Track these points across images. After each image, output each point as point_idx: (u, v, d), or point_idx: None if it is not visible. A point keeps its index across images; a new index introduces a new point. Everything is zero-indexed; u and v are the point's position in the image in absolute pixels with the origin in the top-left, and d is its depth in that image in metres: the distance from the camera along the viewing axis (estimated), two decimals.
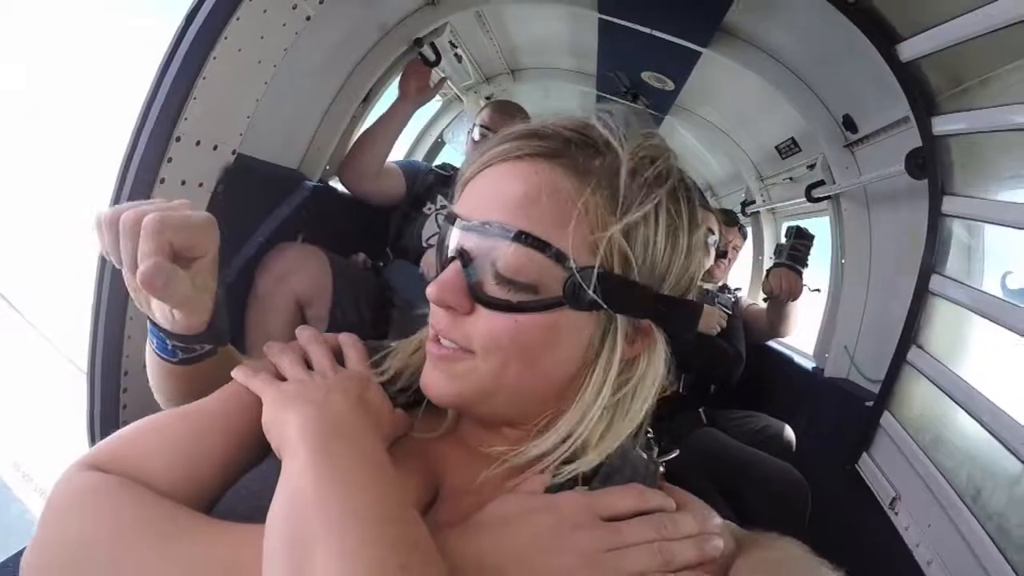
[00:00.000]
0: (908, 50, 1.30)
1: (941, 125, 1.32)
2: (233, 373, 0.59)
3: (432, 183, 2.05)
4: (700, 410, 2.15)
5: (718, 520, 0.51)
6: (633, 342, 0.54)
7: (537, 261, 0.49)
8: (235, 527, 0.47)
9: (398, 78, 1.95)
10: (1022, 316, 1.09)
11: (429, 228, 2.00)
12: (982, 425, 1.11)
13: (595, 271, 0.48)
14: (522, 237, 0.48)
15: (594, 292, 0.48)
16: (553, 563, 0.45)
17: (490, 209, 0.51)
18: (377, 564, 0.37)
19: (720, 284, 2.57)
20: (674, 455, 0.67)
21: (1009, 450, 1.02)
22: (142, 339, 1.15)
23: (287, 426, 0.48)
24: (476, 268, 0.51)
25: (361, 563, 0.37)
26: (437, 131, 2.98)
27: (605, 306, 0.50)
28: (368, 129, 1.96)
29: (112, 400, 1.19)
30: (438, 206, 2.02)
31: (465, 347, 0.52)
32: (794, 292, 2.02)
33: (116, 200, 1.13)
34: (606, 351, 0.53)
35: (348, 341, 0.63)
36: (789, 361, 2.33)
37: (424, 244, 1.98)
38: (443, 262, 0.54)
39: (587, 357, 0.53)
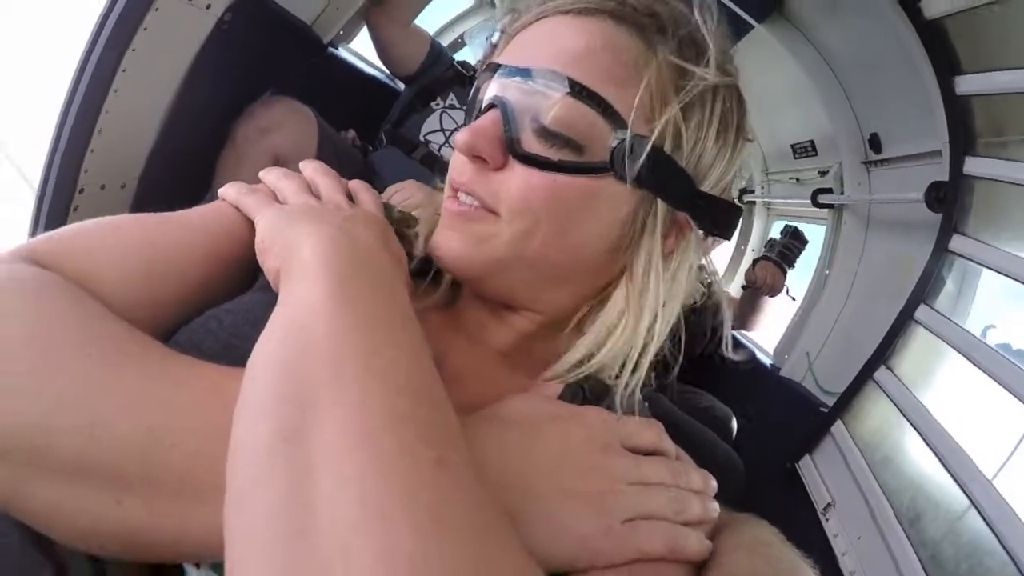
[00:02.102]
0: (965, 84, 1.29)
1: (973, 166, 1.33)
2: (221, 191, 0.49)
3: (450, 78, 1.92)
4: (652, 374, 2.21)
5: (715, 483, 0.48)
6: (668, 236, 0.49)
7: (588, 118, 0.44)
8: (198, 364, 0.36)
9: None
10: (998, 361, 1.14)
11: (431, 124, 1.88)
12: (936, 455, 1.18)
13: (650, 141, 0.44)
14: (576, 88, 0.43)
15: (643, 164, 0.44)
16: (581, 482, 0.40)
17: (542, 59, 0.45)
18: (409, 453, 0.28)
19: (698, 263, 2.60)
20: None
21: (958, 484, 1.08)
22: (107, 152, 1.10)
23: (299, 245, 0.38)
24: (516, 119, 0.45)
25: (387, 447, 0.28)
26: (460, 29, 2.81)
27: (651, 184, 0.46)
28: None
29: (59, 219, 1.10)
30: (447, 104, 1.90)
31: (490, 206, 0.46)
32: (775, 288, 2.06)
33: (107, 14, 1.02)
34: (646, 236, 0.48)
35: (360, 186, 0.53)
36: (747, 351, 2.40)
37: (421, 139, 1.87)
38: (477, 112, 0.48)
39: (620, 241, 0.48)
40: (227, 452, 0.30)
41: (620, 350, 0.49)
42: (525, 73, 0.45)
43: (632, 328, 0.49)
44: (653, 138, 0.45)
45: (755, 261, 2.13)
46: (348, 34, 2.01)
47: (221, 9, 1.21)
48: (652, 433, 0.47)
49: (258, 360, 0.32)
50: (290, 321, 0.33)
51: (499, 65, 0.47)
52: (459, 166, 0.48)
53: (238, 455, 0.29)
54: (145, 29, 1.04)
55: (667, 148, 0.46)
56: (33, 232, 1.11)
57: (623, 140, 0.44)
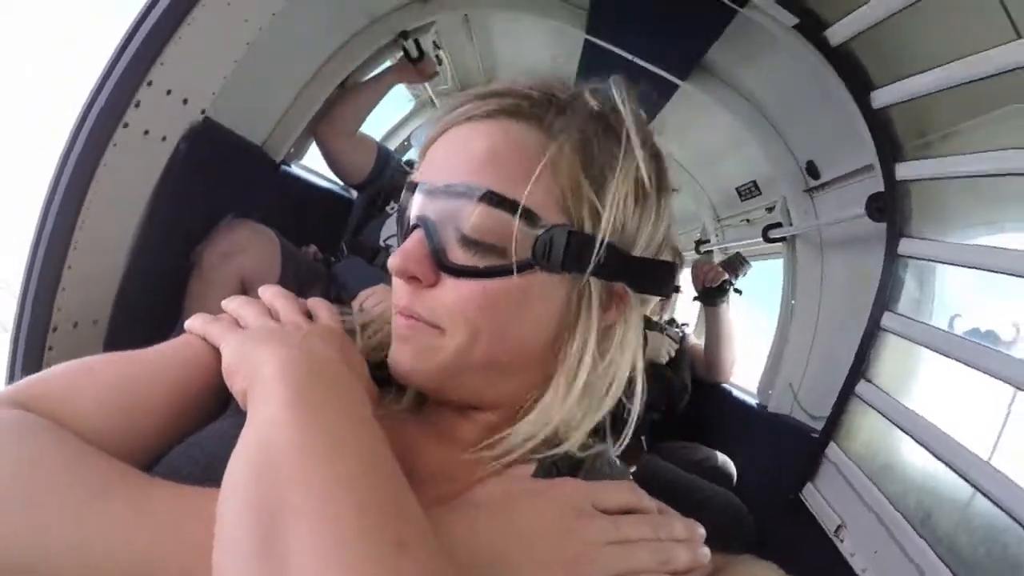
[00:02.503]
0: (880, 98, 1.38)
1: (904, 171, 1.40)
2: (187, 324, 0.52)
3: (401, 181, 1.99)
4: (641, 438, 2.17)
5: (702, 531, 0.49)
6: (608, 309, 0.51)
7: (504, 221, 0.45)
8: (179, 488, 0.39)
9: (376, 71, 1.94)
10: (969, 347, 1.15)
11: (389, 228, 1.93)
12: (930, 451, 1.15)
13: (567, 229, 0.46)
14: (488, 195, 0.45)
15: (566, 251, 0.46)
16: (558, 549, 0.41)
17: (453, 171, 0.47)
18: (370, 538, 0.30)
19: (668, 317, 2.62)
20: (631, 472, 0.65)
21: (958, 473, 1.06)
22: (78, 289, 1.10)
23: (261, 365, 0.41)
24: (440, 234, 0.47)
25: (351, 536, 0.30)
26: (405, 133, 2.95)
27: (578, 267, 0.47)
28: (355, 84, 1.92)
29: (35, 360, 1.09)
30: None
31: (431, 322, 0.48)
32: (714, 276, 2.25)
33: (73, 140, 1.05)
34: (583, 317, 0.50)
35: (318, 303, 0.56)
36: (730, 396, 2.38)
37: (382, 244, 1.91)
38: (405, 232, 0.50)
39: (561, 326, 0.50)
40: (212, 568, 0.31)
41: (579, 405, 0.50)
42: (439, 188, 0.48)
43: (566, 405, 0.50)
44: (572, 225, 0.47)
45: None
46: (299, 151, 2.07)
47: (176, 139, 1.25)
48: (625, 492, 0.47)
49: (231, 476, 0.34)
50: (256, 437, 0.36)
51: (416, 184, 0.50)
52: (398, 289, 0.50)
53: (221, 563, 0.31)
54: (105, 165, 1.07)
55: (587, 228, 0.48)
56: (10, 373, 1.10)
57: (542, 234, 0.46)
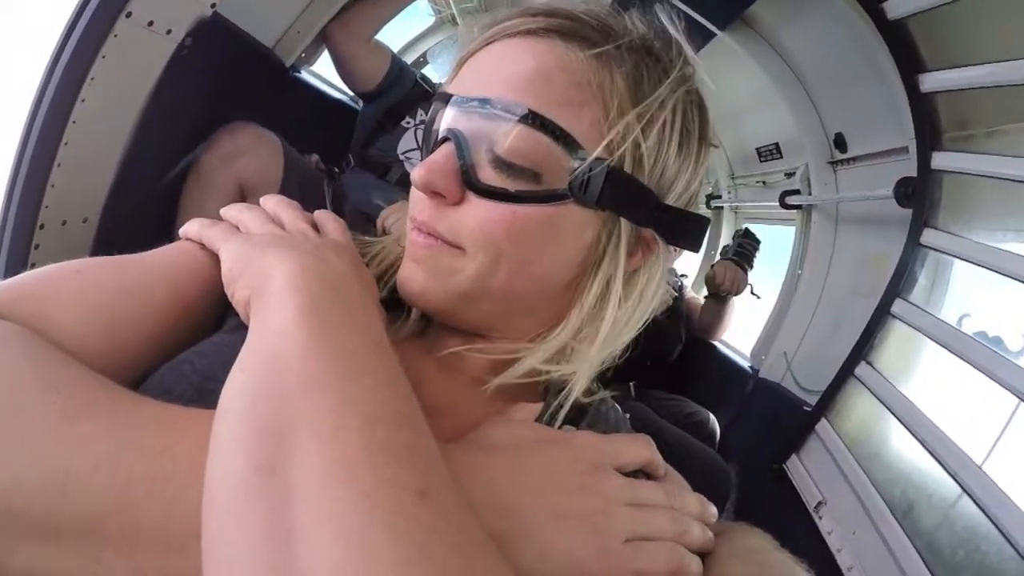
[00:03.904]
0: (928, 82, 1.32)
1: (941, 160, 1.36)
2: (182, 229, 0.48)
3: (417, 95, 1.91)
4: (630, 384, 2.20)
5: (714, 510, 0.47)
6: (633, 254, 0.49)
7: (544, 145, 0.43)
8: (169, 408, 0.35)
9: None
10: (978, 349, 1.16)
11: (407, 142, 1.86)
12: (923, 445, 1.19)
13: (607, 164, 0.43)
14: (530, 117, 0.42)
15: (604, 187, 0.44)
16: (573, 503, 0.39)
17: (493, 86, 0.44)
18: (390, 486, 0.27)
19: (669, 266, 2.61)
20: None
21: (948, 472, 1.09)
22: (68, 187, 1.06)
23: (268, 270, 0.37)
24: (471, 151, 0.44)
25: (367, 482, 0.26)
26: (423, 48, 2.81)
27: (613, 206, 0.45)
28: None
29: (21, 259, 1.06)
30: (417, 121, 1.89)
31: (453, 242, 0.45)
32: (737, 286, 2.06)
33: (71, 27, 0.98)
34: (607, 259, 0.48)
35: (325, 215, 0.52)
36: (723, 355, 2.41)
37: (401, 157, 1.85)
38: (432, 145, 0.47)
39: (586, 263, 0.48)
40: (204, 498, 0.28)
41: (578, 368, 0.48)
42: (476, 102, 0.44)
43: (578, 346, 0.48)
44: (613, 161, 0.44)
45: (713, 265, 2.16)
46: (310, 57, 1.98)
47: (181, 34, 1.17)
48: (643, 449, 0.45)
49: (230, 391, 0.31)
50: (262, 349, 0.32)
51: (450, 95, 0.46)
52: (418, 203, 0.47)
53: (213, 492, 0.28)
54: (104, 57, 1.01)
55: (627, 167, 0.45)
56: None
57: (581, 165, 0.43)
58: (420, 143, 0.51)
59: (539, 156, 0.43)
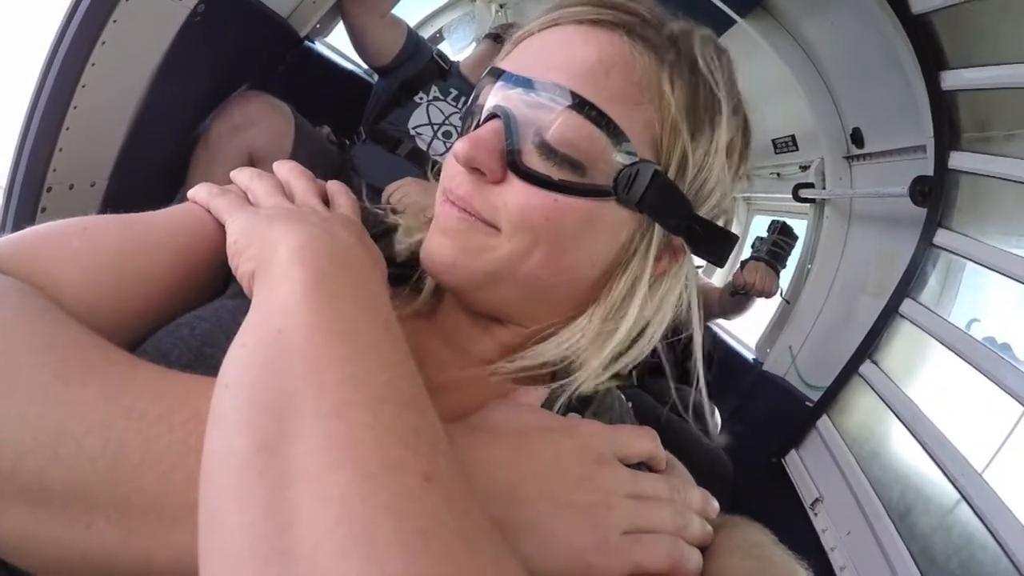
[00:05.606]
0: (950, 80, 1.30)
1: (958, 160, 1.34)
2: (191, 192, 0.47)
3: (432, 71, 1.89)
4: (632, 371, 2.19)
5: (716, 504, 0.47)
6: (661, 259, 0.48)
7: (593, 138, 0.42)
8: (167, 373, 0.34)
9: None
10: (987, 355, 1.15)
11: (418, 117, 1.84)
12: (924, 449, 1.18)
13: (654, 167, 0.43)
14: (583, 105, 0.41)
15: (647, 190, 0.43)
16: (574, 493, 0.38)
17: (549, 70, 0.43)
18: (395, 469, 0.26)
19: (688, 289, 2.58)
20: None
21: (947, 477, 1.09)
22: (76, 151, 1.06)
23: (274, 243, 0.36)
24: (519, 132, 0.43)
25: (371, 463, 0.26)
26: (439, 24, 2.78)
27: (653, 210, 0.44)
28: None
29: (27, 221, 1.05)
30: (431, 97, 1.87)
31: (489, 220, 0.44)
32: (768, 291, 1.81)
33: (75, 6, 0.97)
34: (637, 259, 0.47)
35: (338, 188, 0.51)
36: (727, 346, 2.41)
37: (412, 132, 1.83)
38: (478, 120, 0.46)
39: (616, 262, 0.48)
40: (200, 472, 0.27)
41: (585, 360, 0.48)
42: (530, 84, 0.43)
43: (595, 343, 0.48)
44: (659, 165, 0.43)
45: (743, 263, 1.90)
46: (325, 28, 1.97)
47: (194, 0, 1.16)
48: (647, 441, 0.45)
49: (231, 366, 0.30)
50: (266, 324, 0.31)
51: (503, 72, 0.45)
52: (455, 175, 0.46)
53: (212, 469, 0.27)
54: (115, 21, 1.00)
55: (671, 173, 0.45)
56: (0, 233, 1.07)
57: (629, 164, 0.43)
58: (462, 116, 0.49)
59: (586, 148, 0.42)
